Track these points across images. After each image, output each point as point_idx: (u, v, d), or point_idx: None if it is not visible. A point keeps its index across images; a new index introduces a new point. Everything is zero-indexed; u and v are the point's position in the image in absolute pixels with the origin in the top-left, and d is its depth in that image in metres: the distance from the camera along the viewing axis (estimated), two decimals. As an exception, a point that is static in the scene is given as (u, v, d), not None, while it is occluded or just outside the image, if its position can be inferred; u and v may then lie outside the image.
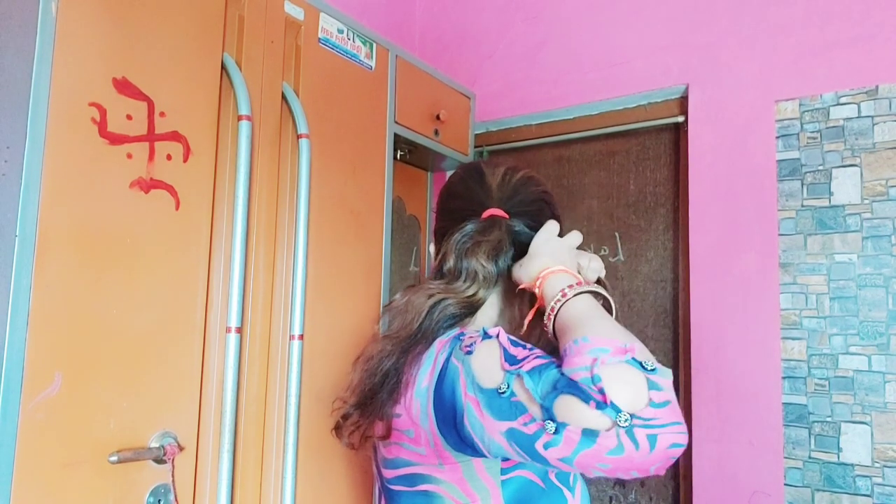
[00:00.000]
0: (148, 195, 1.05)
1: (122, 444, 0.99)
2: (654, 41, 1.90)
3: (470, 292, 0.88)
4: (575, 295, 0.79)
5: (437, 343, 0.86)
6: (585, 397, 0.66)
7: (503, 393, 0.73)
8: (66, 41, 0.95)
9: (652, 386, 0.66)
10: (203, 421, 1.12)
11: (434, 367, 0.83)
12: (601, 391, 0.65)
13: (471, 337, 0.83)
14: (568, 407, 0.67)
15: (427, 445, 0.83)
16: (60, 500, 0.92)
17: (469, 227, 0.91)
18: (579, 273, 0.89)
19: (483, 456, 0.80)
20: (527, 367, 0.73)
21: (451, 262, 0.90)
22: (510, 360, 0.76)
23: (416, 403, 0.84)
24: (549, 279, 0.83)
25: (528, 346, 0.79)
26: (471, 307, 0.89)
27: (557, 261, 0.86)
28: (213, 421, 1.13)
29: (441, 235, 0.97)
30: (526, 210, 0.94)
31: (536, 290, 0.84)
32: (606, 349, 0.67)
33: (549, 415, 0.68)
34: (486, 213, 0.93)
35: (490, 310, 0.94)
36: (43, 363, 0.91)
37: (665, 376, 0.67)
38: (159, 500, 1.03)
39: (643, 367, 0.67)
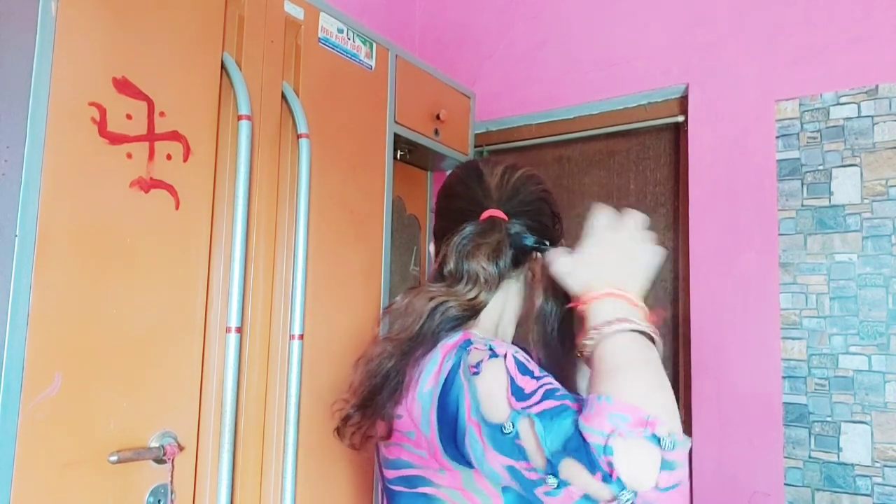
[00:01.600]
0: (148, 195, 1.05)
1: (122, 444, 0.99)
2: (654, 41, 1.90)
3: (471, 295, 0.87)
4: (615, 332, 0.76)
5: (441, 347, 0.85)
6: (592, 468, 0.65)
7: (508, 433, 0.72)
8: (66, 41, 0.95)
9: (665, 466, 0.65)
10: (203, 421, 1.12)
11: (439, 372, 0.82)
12: (610, 465, 0.64)
13: (478, 350, 0.81)
14: (573, 471, 0.67)
15: (427, 450, 0.83)
16: (60, 500, 0.92)
17: (468, 228, 0.90)
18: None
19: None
20: (537, 409, 0.71)
21: (451, 265, 0.89)
22: (517, 393, 0.74)
23: (417, 406, 0.83)
24: (594, 305, 0.80)
25: (537, 372, 0.77)
26: (473, 310, 0.88)
27: (608, 275, 0.82)
28: (213, 421, 1.13)
29: (440, 236, 0.96)
30: (525, 210, 0.94)
31: (583, 310, 0.81)
32: (627, 418, 0.66)
33: (552, 470, 0.68)
34: (484, 215, 0.92)
35: (492, 311, 0.93)
36: (43, 363, 0.90)
37: (683, 448, 0.67)
38: (159, 500, 1.03)
39: (660, 443, 0.66)
